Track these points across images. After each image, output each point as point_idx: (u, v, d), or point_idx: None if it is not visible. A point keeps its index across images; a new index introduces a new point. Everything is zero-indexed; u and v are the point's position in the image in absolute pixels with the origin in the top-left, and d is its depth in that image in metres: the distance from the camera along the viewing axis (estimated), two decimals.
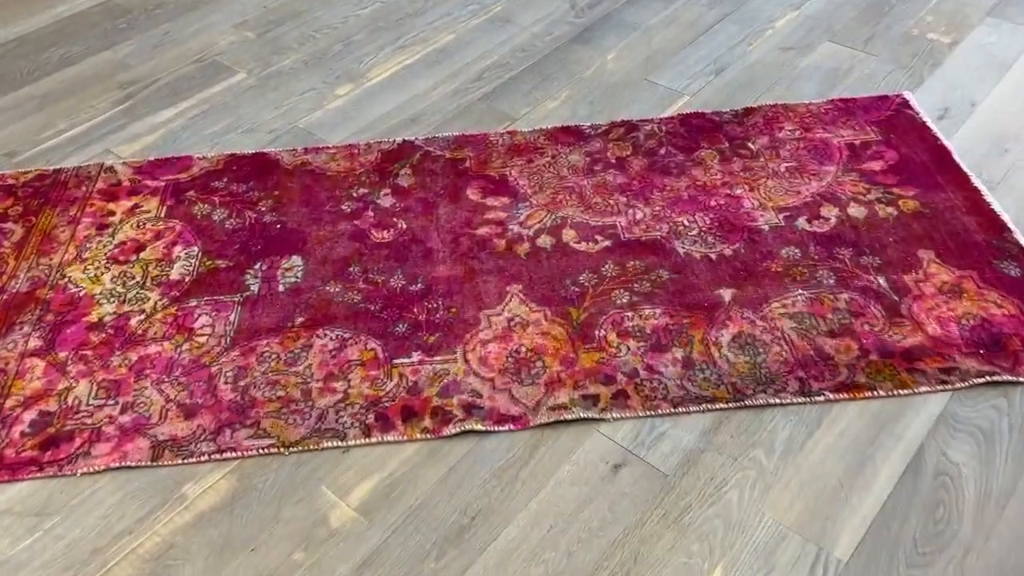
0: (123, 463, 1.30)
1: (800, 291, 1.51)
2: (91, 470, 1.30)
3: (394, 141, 1.90)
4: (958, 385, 1.35)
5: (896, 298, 1.48)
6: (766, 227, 1.64)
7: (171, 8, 2.40)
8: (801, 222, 1.64)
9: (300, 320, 1.51)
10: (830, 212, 1.66)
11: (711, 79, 2.03)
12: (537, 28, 2.25)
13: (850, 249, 1.58)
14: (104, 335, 1.50)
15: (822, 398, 1.34)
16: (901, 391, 1.35)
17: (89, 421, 1.36)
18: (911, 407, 1.33)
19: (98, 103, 2.06)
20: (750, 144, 1.84)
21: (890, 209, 1.65)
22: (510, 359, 1.42)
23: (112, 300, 1.56)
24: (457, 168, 1.82)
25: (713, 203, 1.70)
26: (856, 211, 1.66)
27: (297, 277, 1.59)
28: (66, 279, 1.61)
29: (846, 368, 1.38)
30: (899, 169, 1.75)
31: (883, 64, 2.04)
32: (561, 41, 2.20)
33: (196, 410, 1.37)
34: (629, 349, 1.43)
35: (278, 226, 1.70)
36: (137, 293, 1.57)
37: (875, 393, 1.34)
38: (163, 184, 1.81)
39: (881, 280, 1.52)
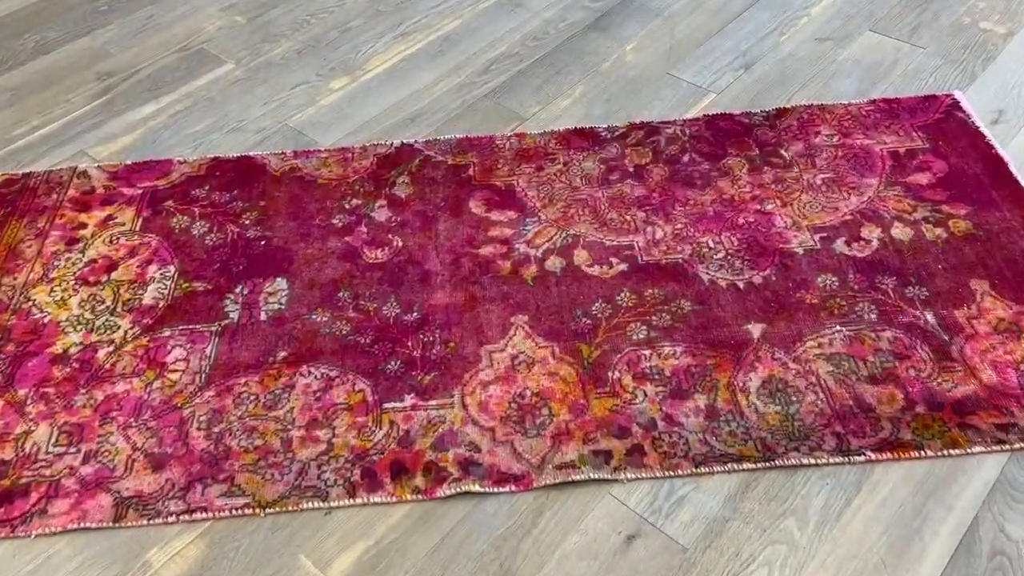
0: (83, 524, 1.18)
1: (838, 327, 1.35)
2: (47, 532, 1.17)
3: (391, 144, 1.74)
4: (1017, 445, 1.20)
5: (946, 338, 1.32)
6: (800, 250, 1.47)
7: None
8: (839, 244, 1.48)
9: (282, 355, 1.37)
10: (871, 233, 1.49)
11: (739, 74, 1.85)
12: (550, 13, 2.07)
13: (894, 278, 1.42)
14: (69, 370, 1.36)
15: (862, 458, 1.19)
16: (952, 451, 1.19)
17: (48, 472, 1.23)
18: (963, 470, 1.18)
19: (74, 97, 1.90)
20: (783, 151, 1.66)
21: (939, 230, 1.48)
22: (513, 405, 1.28)
23: (79, 328, 1.42)
24: (459, 176, 1.66)
25: (741, 221, 1.53)
26: (900, 232, 1.49)
27: (281, 303, 1.44)
28: (31, 302, 1.47)
29: (889, 422, 1.22)
30: (949, 183, 1.57)
31: (930, 58, 1.85)
32: (576, 28, 2.02)
33: (165, 461, 1.23)
34: (646, 395, 1.28)
35: (262, 243, 1.55)
36: (107, 320, 1.43)
37: (922, 453, 1.19)
38: (140, 192, 1.67)
39: (929, 316, 1.36)
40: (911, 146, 1.65)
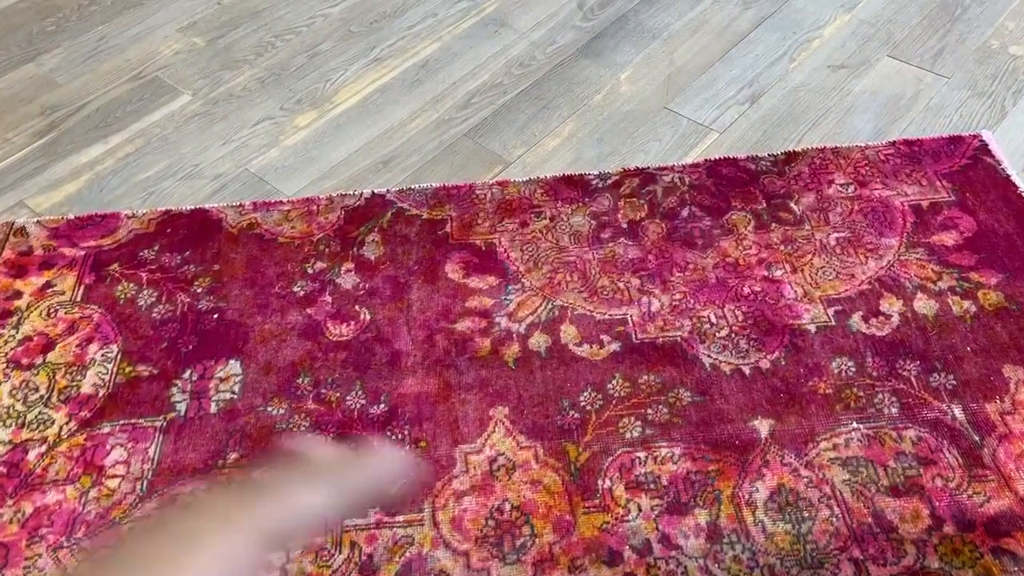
0: None
1: (855, 424, 1.20)
2: None
3: (361, 195, 1.58)
4: None
5: (976, 438, 1.18)
6: (812, 327, 1.32)
7: (108, 5, 2.05)
8: (856, 320, 1.32)
9: (233, 456, 1.22)
10: (892, 307, 1.34)
11: (745, 109, 1.68)
12: (538, 35, 1.89)
13: (917, 362, 1.27)
14: None
15: None
16: None
17: None
18: None
19: (15, 136, 1.74)
20: (792, 204, 1.50)
21: (967, 303, 1.33)
22: (491, 522, 1.14)
23: (9, 423, 1.27)
24: (435, 233, 1.50)
25: (747, 290, 1.38)
26: (924, 306, 1.33)
27: (233, 392, 1.29)
28: None
29: (914, 546, 1.08)
30: (977, 244, 1.41)
31: (955, 90, 1.68)
32: (566, 53, 1.84)
33: None
34: (640, 510, 1.13)
35: (215, 316, 1.40)
36: (39, 413, 1.28)
37: None
38: (83, 254, 1.51)
39: (957, 410, 1.21)
40: (935, 198, 1.49)
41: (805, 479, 1.15)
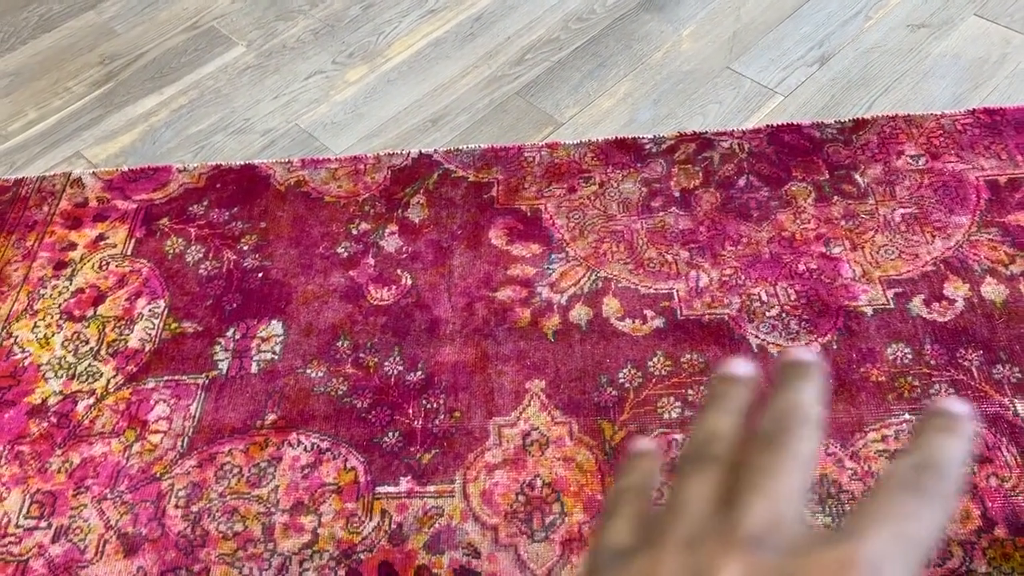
0: None
1: (907, 415, 1.15)
2: None
3: (408, 154, 1.55)
4: None
5: None
6: (869, 310, 1.26)
7: None
8: (916, 304, 1.25)
9: (271, 418, 1.24)
10: (957, 291, 1.26)
11: (813, 71, 1.59)
12: None
13: (980, 352, 1.20)
14: (46, 424, 1.26)
15: None
16: None
17: (16, 551, 1.14)
18: None
19: (75, 85, 1.76)
20: (857, 176, 1.42)
21: None
22: (521, 497, 1.13)
23: (60, 374, 1.31)
24: (481, 197, 1.47)
25: (802, 267, 1.31)
26: (992, 291, 1.25)
27: (275, 353, 1.30)
28: (12, 339, 1.36)
29: (961, 548, 1.04)
30: None
31: None
32: (627, 7, 1.77)
33: (139, 544, 1.13)
34: None
35: (260, 275, 1.41)
36: (89, 366, 1.32)
37: None
38: (134, 207, 1.53)
39: (1019, 406, 1.14)
40: (1014, 174, 1.39)
41: (849, 471, 1.11)
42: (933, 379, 1.18)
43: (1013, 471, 1.09)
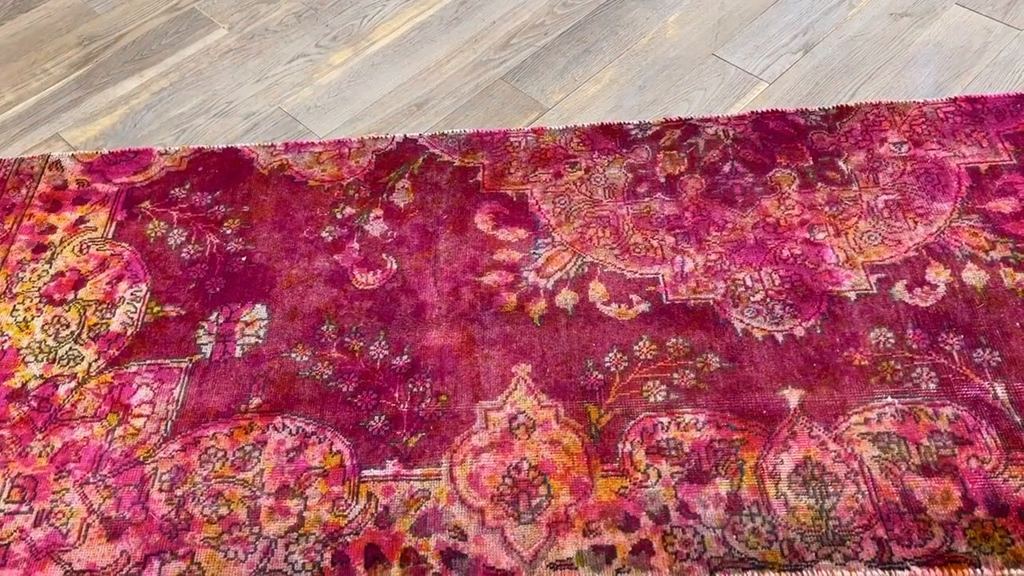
0: None
1: (890, 398, 1.16)
2: None
3: (392, 139, 1.54)
4: None
5: (1018, 419, 1.13)
6: (852, 295, 1.27)
7: None
8: (899, 289, 1.27)
9: (256, 402, 1.23)
10: (938, 276, 1.27)
11: (797, 58, 1.60)
12: None
13: (961, 336, 1.21)
14: (26, 409, 1.24)
15: (906, 573, 1.02)
16: (1013, 571, 1.02)
17: None
18: None
19: (53, 67, 1.73)
20: (840, 163, 1.43)
21: (1020, 276, 1.26)
22: (507, 480, 1.13)
23: (40, 358, 1.30)
24: (467, 182, 1.47)
25: (786, 253, 1.32)
26: (973, 276, 1.27)
27: (259, 337, 1.30)
28: None
29: (942, 528, 1.05)
30: None
31: None
32: None
33: (122, 528, 1.12)
34: (660, 476, 1.12)
35: (243, 259, 1.39)
36: (70, 349, 1.30)
37: (978, 572, 1.02)
38: (115, 190, 1.51)
39: (1000, 389, 1.16)
40: (995, 161, 1.41)
41: (833, 453, 1.12)
42: (915, 363, 1.19)
43: (993, 453, 1.10)
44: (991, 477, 1.08)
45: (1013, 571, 1.02)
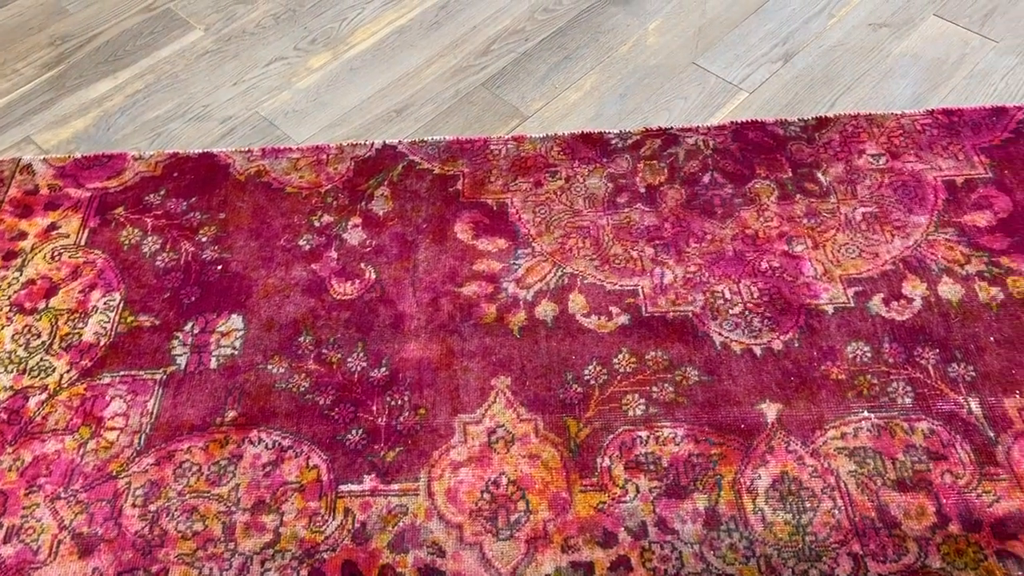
0: None
1: (866, 413, 1.17)
2: None
3: (371, 145, 1.53)
4: None
5: (992, 434, 1.14)
6: (830, 308, 1.27)
7: None
8: (876, 303, 1.27)
9: (231, 415, 1.21)
10: (915, 290, 1.28)
11: (777, 68, 1.60)
12: None
13: (936, 350, 1.22)
14: None
15: None
16: None
17: None
18: None
19: (24, 67, 1.70)
20: (819, 175, 1.44)
21: (995, 290, 1.27)
22: (486, 495, 1.13)
23: (11, 369, 1.27)
24: (447, 190, 1.46)
25: (765, 265, 1.33)
26: (949, 291, 1.28)
27: (234, 348, 1.28)
28: None
29: (916, 544, 1.06)
30: (1012, 227, 1.35)
31: (1003, 55, 1.59)
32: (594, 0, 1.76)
33: (94, 545, 1.10)
34: (638, 491, 1.12)
35: (219, 267, 1.38)
36: (41, 360, 1.28)
37: None
38: (88, 195, 1.48)
39: (974, 404, 1.17)
40: (971, 174, 1.42)
41: (810, 468, 1.12)
42: (891, 377, 1.20)
43: (967, 468, 1.11)
44: (965, 492, 1.09)
45: None
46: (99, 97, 1.63)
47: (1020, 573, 1.03)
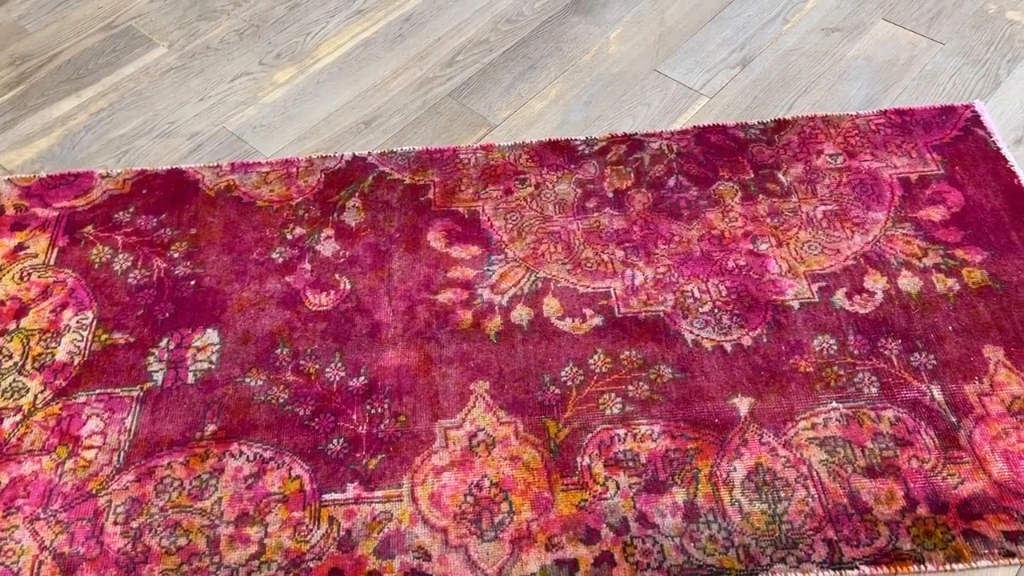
0: None
1: (835, 403, 1.21)
2: None
3: (341, 157, 1.54)
4: None
5: (954, 419, 1.18)
6: (796, 304, 1.31)
7: None
8: (839, 297, 1.32)
9: (211, 428, 1.21)
10: (876, 283, 1.33)
11: (736, 73, 1.65)
12: None
13: (898, 341, 1.27)
14: None
15: (855, 572, 1.07)
16: (955, 566, 1.07)
17: None
18: None
19: None
20: (780, 175, 1.48)
21: (951, 281, 1.33)
22: (469, 498, 1.14)
23: None
24: (418, 199, 1.47)
25: (732, 264, 1.36)
26: (908, 283, 1.33)
27: (211, 362, 1.28)
28: None
29: (887, 528, 1.10)
30: (964, 220, 1.40)
31: (949, 57, 1.65)
32: (555, 9, 1.79)
33: (76, 564, 1.10)
34: (619, 488, 1.14)
35: (192, 283, 1.38)
36: (14, 381, 1.27)
37: (922, 568, 1.07)
38: (56, 214, 1.47)
39: (936, 391, 1.21)
40: (924, 172, 1.47)
41: (783, 459, 1.16)
42: (857, 368, 1.24)
43: (932, 453, 1.16)
44: (931, 476, 1.14)
45: (955, 566, 1.07)
46: (63, 116, 1.62)
47: (986, 551, 1.07)
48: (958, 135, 1.52)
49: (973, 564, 1.07)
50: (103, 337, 1.31)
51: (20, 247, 1.43)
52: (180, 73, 1.69)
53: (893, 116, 1.56)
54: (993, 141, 1.50)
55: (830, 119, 1.56)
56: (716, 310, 1.31)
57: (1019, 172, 1.45)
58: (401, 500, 1.14)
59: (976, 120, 1.54)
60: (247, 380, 1.26)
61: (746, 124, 1.56)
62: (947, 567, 1.07)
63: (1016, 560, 1.07)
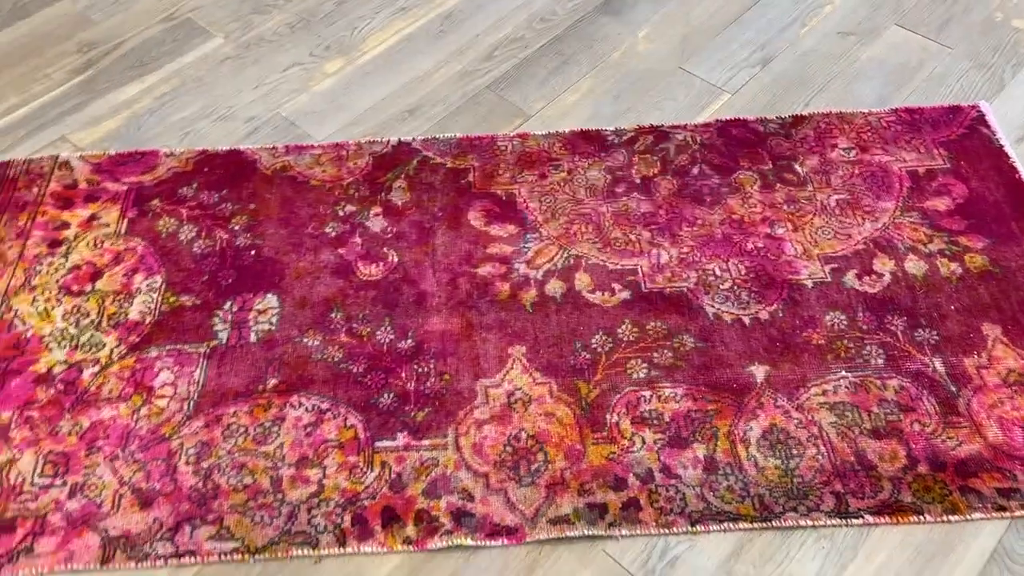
0: (69, 565, 1.16)
1: (844, 372, 1.32)
2: (34, 573, 1.16)
3: (388, 142, 1.66)
4: (1017, 513, 1.18)
5: (954, 389, 1.29)
6: (809, 283, 1.42)
7: None
8: (850, 278, 1.43)
9: (272, 382, 1.33)
10: (884, 266, 1.44)
11: (756, 71, 1.76)
12: None
13: (904, 318, 1.37)
14: (53, 391, 1.33)
15: (860, 521, 1.18)
16: (951, 517, 1.18)
17: (33, 506, 1.21)
18: (962, 538, 1.17)
19: (54, 72, 1.80)
20: (797, 166, 1.59)
21: (954, 265, 1.43)
22: (508, 448, 1.25)
23: (63, 344, 1.38)
24: (459, 182, 1.59)
25: (750, 246, 1.48)
26: (914, 266, 1.44)
27: (271, 324, 1.40)
28: (13, 313, 1.42)
29: (890, 483, 1.20)
30: (968, 211, 1.51)
31: (958, 60, 1.76)
32: (586, 9, 1.91)
33: (153, 498, 1.21)
34: (644, 442, 1.25)
35: (252, 252, 1.50)
36: (91, 336, 1.39)
37: (921, 519, 1.18)
38: (125, 188, 1.59)
39: (938, 363, 1.32)
40: (931, 165, 1.58)
41: (795, 420, 1.27)
42: (865, 342, 1.35)
43: (932, 418, 1.26)
44: (931, 439, 1.24)
45: (951, 517, 1.17)
46: (128, 99, 1.75)
47: (980, 505, 1.18)
48: (964, 133, 1.63)
49: (968, 516, 1.17)
50: (171, 299, 1.43)
51: (93, 217, 1.55)
52: (237, 62, 1.82)
53: (903, 114, 1.67)
54: (997, 139, 1.61)
55: (844, 116, 1.67)
56: (736, 287, 1.42)
57: (1020, 168, 1.56)
58: (446, 448, 1.25)
59: (981, 119, 1.65)
60: (305, 340, 1.38)
61: (765, 119, 1.67)
62: (944, 519, 1.17)
63: (1007, 513, 1.17)
